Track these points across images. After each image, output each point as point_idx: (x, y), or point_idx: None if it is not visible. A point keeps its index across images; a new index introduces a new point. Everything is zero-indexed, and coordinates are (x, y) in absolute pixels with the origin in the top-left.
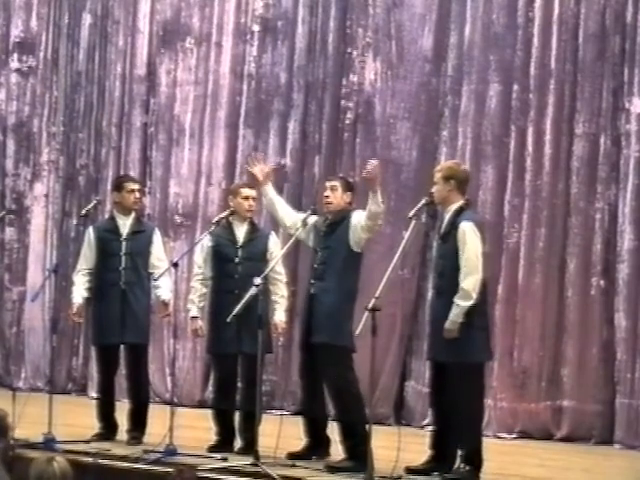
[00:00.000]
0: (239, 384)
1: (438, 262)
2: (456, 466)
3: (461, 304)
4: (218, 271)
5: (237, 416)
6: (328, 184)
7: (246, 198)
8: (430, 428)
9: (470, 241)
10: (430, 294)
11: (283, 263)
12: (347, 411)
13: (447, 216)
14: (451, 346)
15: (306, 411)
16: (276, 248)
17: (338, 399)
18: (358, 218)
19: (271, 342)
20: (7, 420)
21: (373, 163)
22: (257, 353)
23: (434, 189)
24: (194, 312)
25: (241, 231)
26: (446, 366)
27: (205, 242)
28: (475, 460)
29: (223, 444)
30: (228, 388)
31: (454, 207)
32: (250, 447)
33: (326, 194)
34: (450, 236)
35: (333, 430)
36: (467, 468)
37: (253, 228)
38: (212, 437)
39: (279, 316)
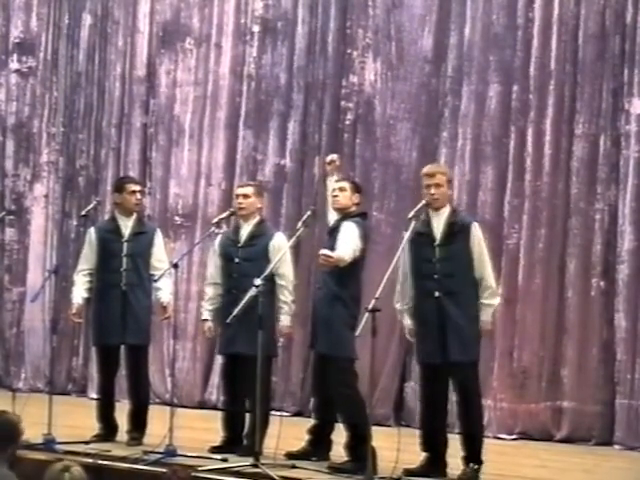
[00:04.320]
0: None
1: (442, 264)
2: (464, 467)
3: (493, 303)
4: (222, 271)
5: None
6: (337, 185)
7: (236, 197)
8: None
9: (482, 241)
10: (426, 298)
11: (294, 266)
12: (350, 414)
13: (442, 218)
14: (466, 345)
15: (317, 413)
16: (279, 249)
17: (341, 403)
18: (343, 233)
19: (276, 345)
20: (19, 426)
21: (323, 254)
22: (253, 354)
23: (438, 191)
24: (204, 315)
25: (245, 231)
26: (451, 365)
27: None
28: (481, 458)
29: (228, 446)
30: (236, 390)
31: (448, 209)
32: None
33: (335, 194)
34: (458, 237)
35: (335, 433)
36: (476, 467)
37: (258, 228)
38: (212, 438)
39: (283, 321)
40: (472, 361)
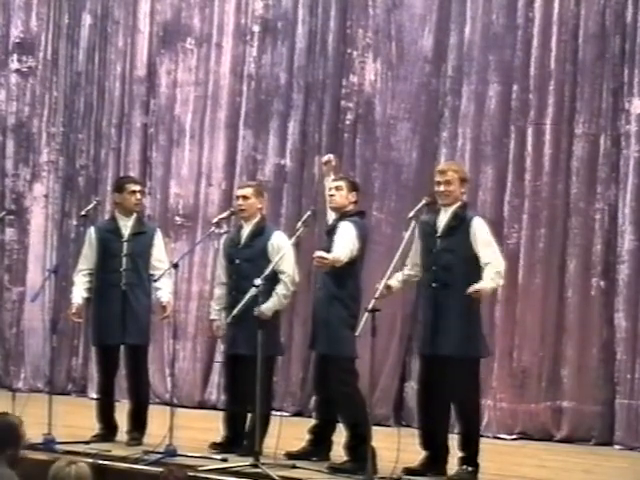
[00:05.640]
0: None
1: (441, 256)
2: (458, 467)
3: (495, 278)
4: (226, 272)
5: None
6: (333, 184)
7: (236, 198)
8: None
9: (486, 232)
10: (425, 288)
11: (296, 261)
12: (350, 414)
13: (447, 213)
14: (455, 340)
15: (318, 413)
16: (278, 248)
17: (341, 402)
18: (340, 233)
19: (278, 345)
20: (20, 429)
21: (318, 256)
22: (253, 354)
23: (447, 188)
24: (212, 315)
25: (246, 231)
26: (444, 361)
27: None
28: (477, 460)
29: (228, 445)
30: (237, 389)
31: (456, 205)
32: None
33: (331, 193)
34: (459, 230)
35: (335, 433)
36: (470, 469)
37: (257, 228)
38: (212, 438)
39: (262, 307)
40: (462, 357)
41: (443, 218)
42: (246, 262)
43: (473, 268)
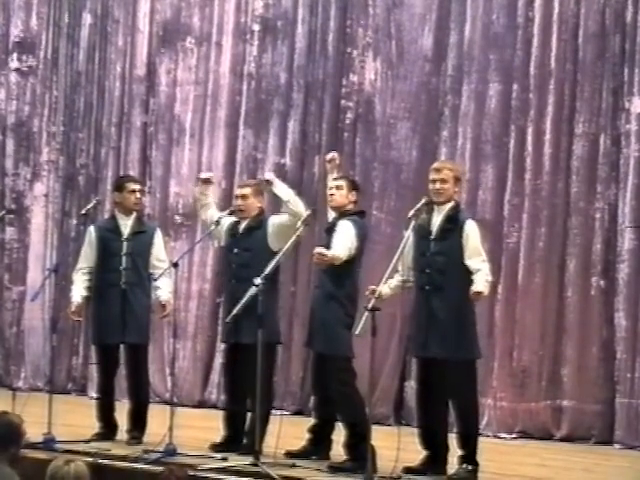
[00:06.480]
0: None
1: (435, 259)
2: (458, 466)
3: (488, 288)
4: (225, 261)
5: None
6: (334, 183)
7: (236, 197)
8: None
9: (476, 236)
10: (419, 291)
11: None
12: (349, 413)
13: (441, 214)
14: (447, 342)
15: (317, 412)
16: (279, 218)
17: (340, 401)
18: (339, 231)
19: (278, 332)
20: (21, 428)
21: (318, 252)
22: (253, 343)
23: (442, 186)
24: None
25: (243, 224)
26: (441, 363)
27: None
28: (476, 459)
29: (228, 444)
30: (237, 385)
31: (450, 205)
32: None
33: (331, 192)
34: (452, 233)
35: (335, 432)
36: (470, 468)
37: (255, 222)
38: (212, 437)
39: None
40: (456, 359)
41: (436, 220)
42: (245, 251)
43: (466, 271)
